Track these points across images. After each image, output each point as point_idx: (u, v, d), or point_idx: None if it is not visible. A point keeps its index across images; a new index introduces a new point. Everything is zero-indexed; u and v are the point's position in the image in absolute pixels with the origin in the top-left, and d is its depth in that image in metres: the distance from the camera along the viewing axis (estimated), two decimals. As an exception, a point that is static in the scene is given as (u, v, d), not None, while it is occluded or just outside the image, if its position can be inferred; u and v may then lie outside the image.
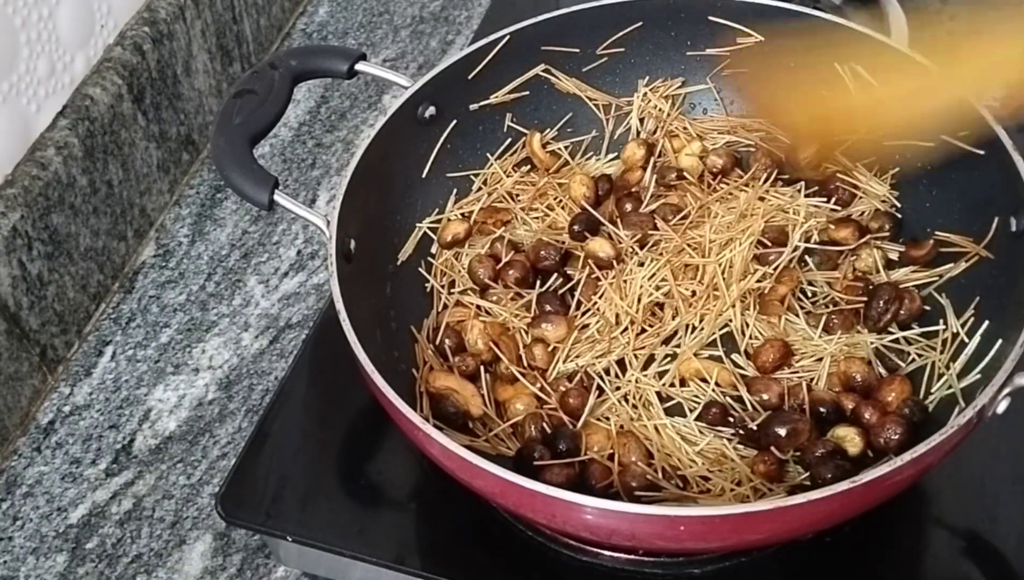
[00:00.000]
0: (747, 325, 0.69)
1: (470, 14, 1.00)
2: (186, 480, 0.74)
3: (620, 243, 0.71)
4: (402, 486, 0.69)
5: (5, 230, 0.73)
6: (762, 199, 0.73)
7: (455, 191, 0.76)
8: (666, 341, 0.69)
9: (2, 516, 0.73)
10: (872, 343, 0.68)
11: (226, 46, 0.92)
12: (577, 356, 0.68)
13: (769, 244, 0.71)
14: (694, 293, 0.69)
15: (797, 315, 0.69)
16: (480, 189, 0.76)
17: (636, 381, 0.67)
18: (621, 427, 0.65)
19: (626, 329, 0.69)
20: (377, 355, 0.62)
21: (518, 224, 0.75)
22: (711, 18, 0.75)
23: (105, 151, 0.80)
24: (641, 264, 0.70)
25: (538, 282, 0.72)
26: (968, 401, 0.57)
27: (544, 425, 0.65)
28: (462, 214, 0.75)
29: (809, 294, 0.71)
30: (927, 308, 0.69)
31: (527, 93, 0.76)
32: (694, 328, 0.69)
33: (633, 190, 0.75)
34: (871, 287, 0.69)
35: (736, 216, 0.72)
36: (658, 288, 0.70)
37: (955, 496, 0.66)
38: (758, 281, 0.70)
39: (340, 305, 0.61)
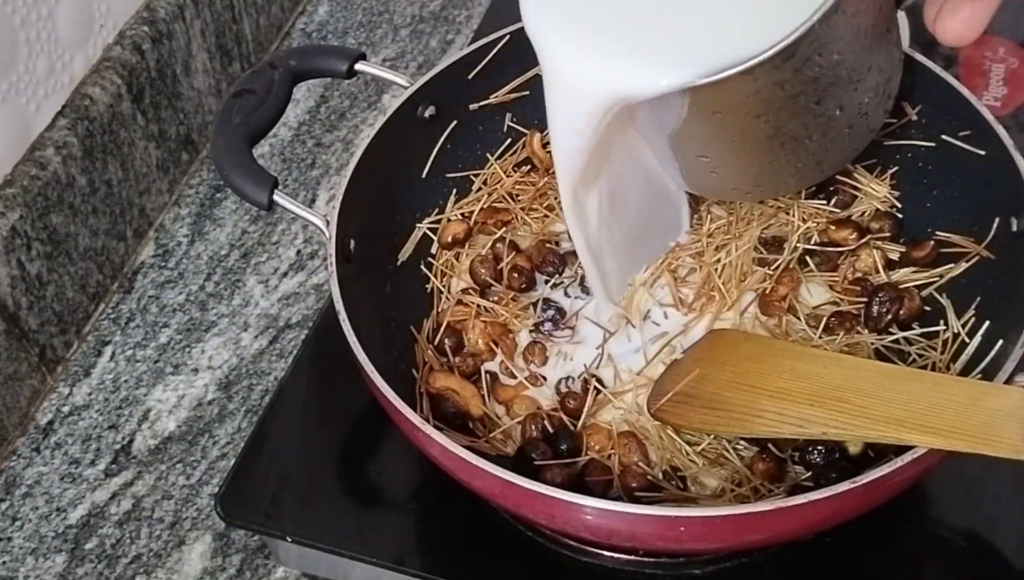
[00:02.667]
0: (747, 326, 0.69)
1: (470, 14, 1.00)
2: (185, 480, 0.74)
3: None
4: (402, 486, 0.69)
5: (4, 230, 0.72)
6: (762, 201, 0.73)
7: (455, 191, 0.75)
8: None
9: (1, 516, 0.73)
10: (872, 344, 0.67)
11: (225, 46, 0.92)
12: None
13: (769, 245, 0.71)
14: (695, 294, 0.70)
15: (797, 316, 0.69)
16: (480, 189, 0.76)
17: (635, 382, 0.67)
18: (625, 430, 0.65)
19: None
20: (377, 355, 0.62)
21: (518, 224, 0.75)
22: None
23: (104, 151, 0.80)
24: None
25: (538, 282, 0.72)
26: (969, 401, 0.57)
27: (545, 424, 0.65)
28: (462, 215, 0.75)
29: (810, 296, 0.71)
30: (927, 308, 0.68)
31: (527, 93, 0.76)
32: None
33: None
34: (871, 288, 0.69)
35: (736, 218, 0.72)
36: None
37: (955, 496, 0.66)
38: (759, 282, 0.70)
39: (340, 305, 0.61)
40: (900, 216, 0.72)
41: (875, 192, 0.72)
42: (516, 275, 0.71)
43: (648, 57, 0.56)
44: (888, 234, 0.71)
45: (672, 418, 0.63)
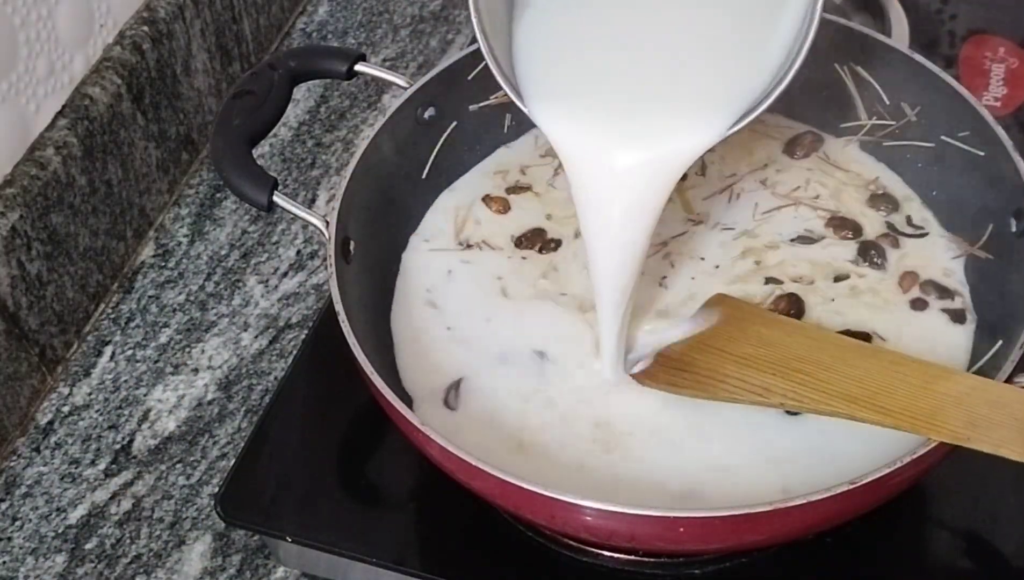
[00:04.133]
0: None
1: (470, 14, 1.00)
2: (185, 480, 0.74)
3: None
4: (402, 486, 0.69)
5: (4, 230, 0.73)
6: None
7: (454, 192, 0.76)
8: None
9: (1, 516, 0.73)
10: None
11: (225, 45, 0.92)
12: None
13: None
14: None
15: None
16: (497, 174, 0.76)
17: None
18: None
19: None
20: (377, 355, 0.62)
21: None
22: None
23: (104, 151, 0.80)
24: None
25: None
26: (968, 401, 0.57)
27: None
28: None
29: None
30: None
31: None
32: None
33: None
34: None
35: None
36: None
37: (956, 496, 0.66)
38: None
39: (339, 306, 0.61)
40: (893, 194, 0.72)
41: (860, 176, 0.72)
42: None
43: (690, 121, 0.57)
44: (888, 209, 0.71)
45: (644, 377, 0.63)
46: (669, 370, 0.63)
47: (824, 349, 0.60)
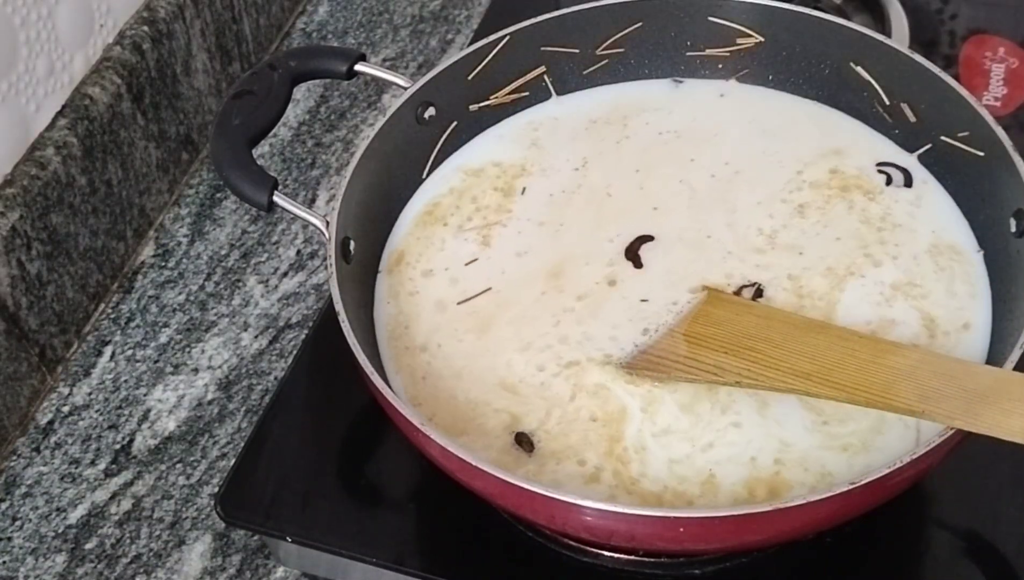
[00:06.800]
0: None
1: (470, 13, 1.00)
2: (185, 480, 0.74)
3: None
4: (402, 486, 0.69)
5: (4, 230, 0.73)
6: None
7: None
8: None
9: (1, 516, 0.73)
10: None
11: (226, 45, 0.92)
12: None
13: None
14: None
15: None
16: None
17: None
18: None
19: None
20: (377, 355, 0.62)
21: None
22: (711, 18, 0.75)
23: (104, 151, 0.80)
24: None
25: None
26: (968, 402, 0.57)
27: None
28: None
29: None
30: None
31: (527, 94, 0.76)
32: None
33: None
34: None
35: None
36: None
37: (956, 496, 0.66)
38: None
39: (339, 306, 0.61)
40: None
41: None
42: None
43: None
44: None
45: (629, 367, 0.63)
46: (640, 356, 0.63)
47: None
